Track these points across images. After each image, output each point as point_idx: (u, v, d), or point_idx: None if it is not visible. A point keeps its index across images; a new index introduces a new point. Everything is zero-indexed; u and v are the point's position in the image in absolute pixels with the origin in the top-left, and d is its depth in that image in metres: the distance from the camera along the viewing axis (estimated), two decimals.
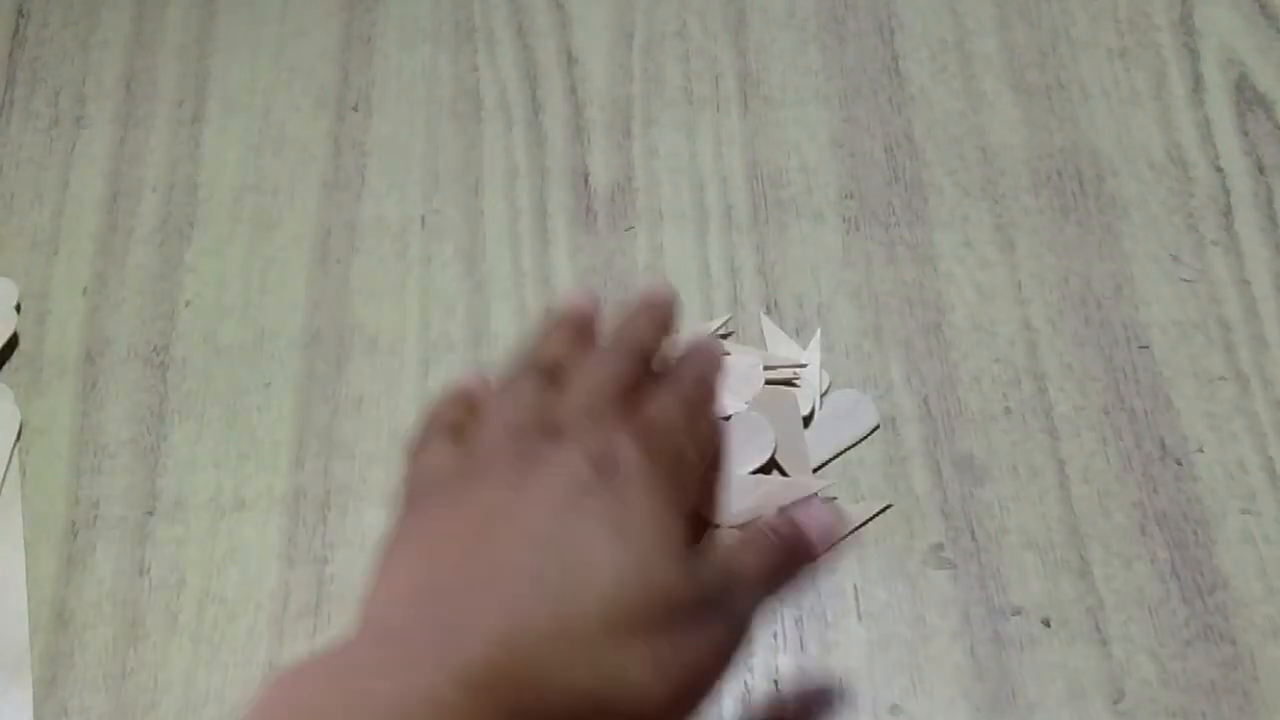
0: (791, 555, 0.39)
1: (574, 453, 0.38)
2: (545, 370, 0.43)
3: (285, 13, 0.62)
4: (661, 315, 0.45)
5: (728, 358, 0.48)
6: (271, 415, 0.51)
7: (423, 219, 0.56)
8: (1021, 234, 0.55)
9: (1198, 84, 0.59)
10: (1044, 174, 0.56)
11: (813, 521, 0.40)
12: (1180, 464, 0.50)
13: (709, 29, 0.61)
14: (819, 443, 0.50)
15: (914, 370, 0.52)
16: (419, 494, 0.40)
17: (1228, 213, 0.55)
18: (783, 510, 0.40)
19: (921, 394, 0.51)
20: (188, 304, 0.54)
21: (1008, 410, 0.51)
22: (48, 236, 0.56)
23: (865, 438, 0.50)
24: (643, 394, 0.41)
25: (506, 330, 0.53)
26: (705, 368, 0.44)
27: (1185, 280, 0.54)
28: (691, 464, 0.41)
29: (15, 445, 0.51)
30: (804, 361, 0.52)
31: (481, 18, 0.61)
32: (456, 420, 0.43)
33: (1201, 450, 0.50)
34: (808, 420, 0.50)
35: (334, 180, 0.57)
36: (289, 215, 0.56)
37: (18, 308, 0.54)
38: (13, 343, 0.53)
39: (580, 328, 0.45)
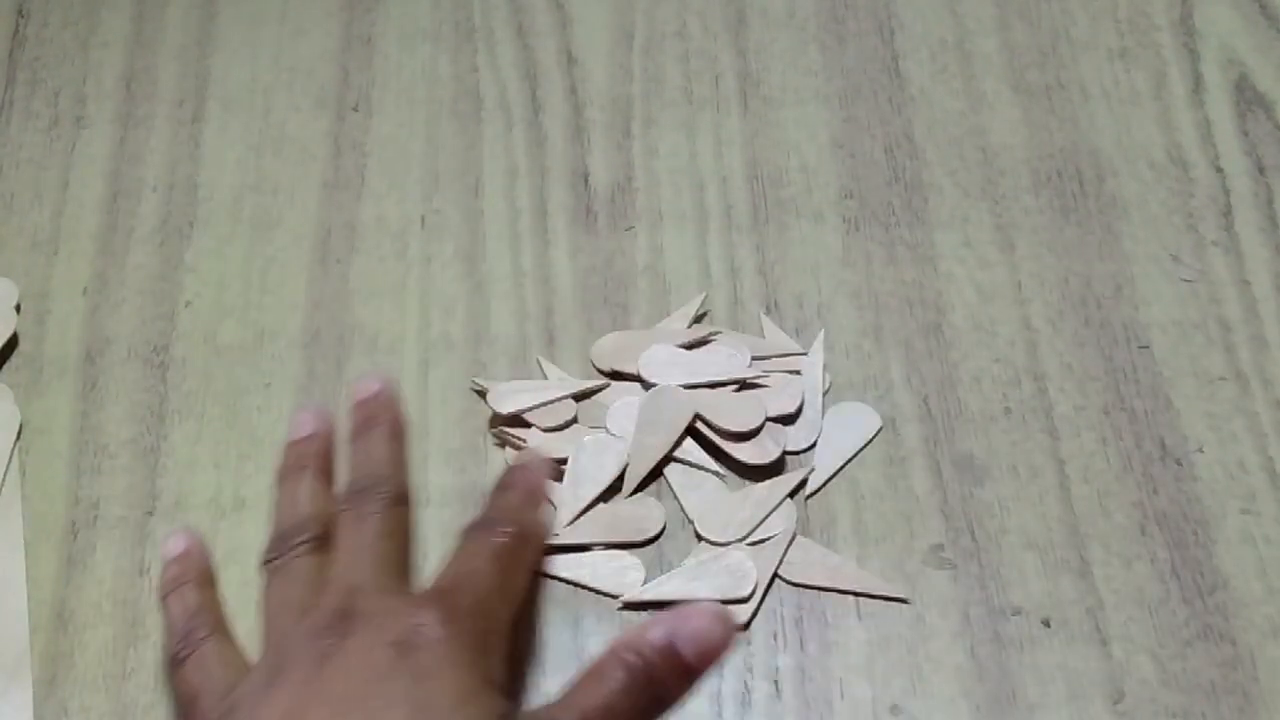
0: (655, 686, 0.36)
1: (372, 635, 0.37)
2: (314, 536, 0.42)
3: (285, 13, 0.62)
4: (397, 424, 0.45)
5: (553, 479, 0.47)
6: (272, 415, 0.51)
7: (423, 219, 0.56)
8: (1021, 234, 0.55)
9: (1198, 84, 0.59)
10: (1044, 174, 0.56)
11: (691, 638, 0.37)
12: (1180, 464, 0.50)
13: (709, 29, 0.61)
14: (825, 453, 0.50)
15: (914, 370, 0.52)
16: (214, 708, 0.39)
17: (1228, 213, 0.55)
18: (657, 624, 0.37)
19: (921, 394, 0.51)
20: (188, 304, 0.54)
21: (1008, 410, 0.51)
22: (47, 236, 0.56)
23: (868, 444, 0.50)
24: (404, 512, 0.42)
25: (506, 330, 0.53)
26: (524, 498, 0.43)
27: (1185, 280, 0.54)
28: (498, 622, 0.39)
29: (15, 445, 0.51)
30: (795, 350, 0.52)
31: (481, 18, 0.61)
32: (206, 606, 0.43)
33: (1201, 450, 0.50)
34: (797, 414, 0.50)
35: (334, 180, 0.57)
36: (289, 215, 0.56)
37: (18, 308, 0.54)
38: (13, 343, 0.53)
39: (320, 460, 0.44)
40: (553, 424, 0.50)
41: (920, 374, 0.52)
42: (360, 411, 0.45)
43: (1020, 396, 0.51)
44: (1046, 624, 0.46)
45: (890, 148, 0.57)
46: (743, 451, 0.49)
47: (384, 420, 0.45)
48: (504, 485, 0.43)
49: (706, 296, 0.53)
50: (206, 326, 0.53)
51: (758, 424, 0.49)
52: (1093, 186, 0.56)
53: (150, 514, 0.49)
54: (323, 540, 0.42)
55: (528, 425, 0.50)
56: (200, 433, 0.51)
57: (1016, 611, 0.47)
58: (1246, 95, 0.58)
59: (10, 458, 0.50)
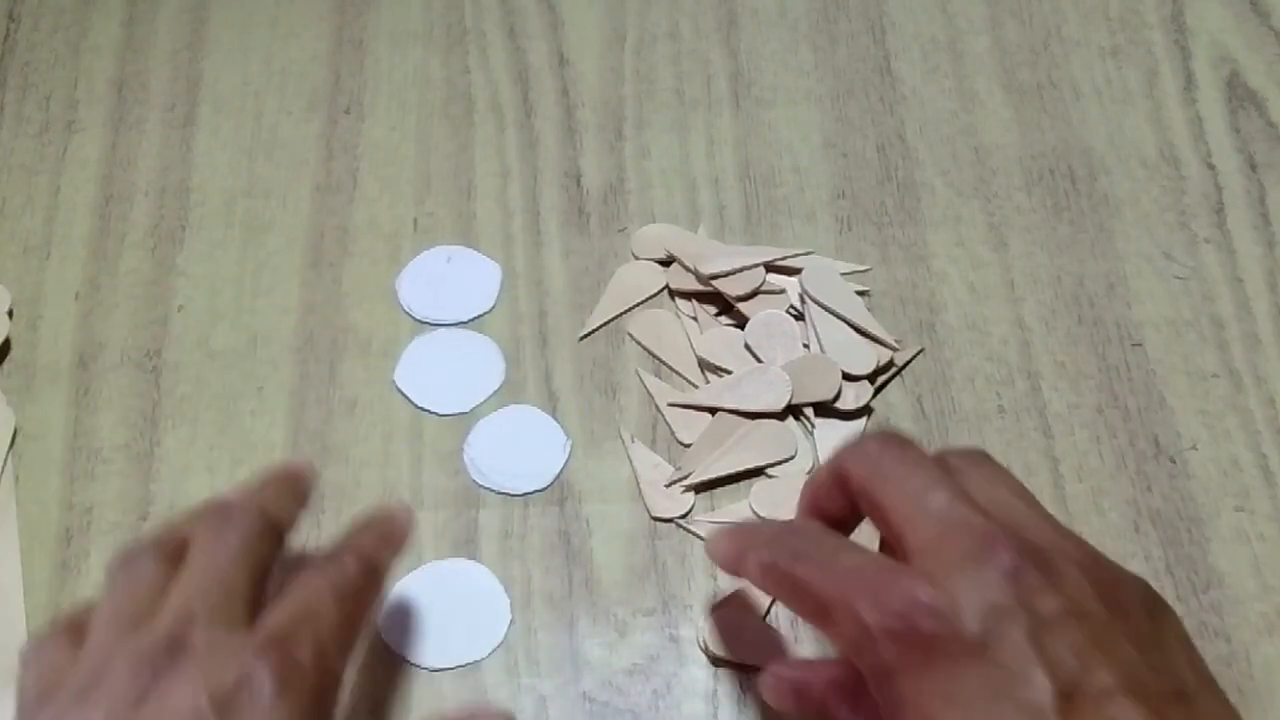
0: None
1: (194, 684, 0.34)
2: (167, 545, 0.38)
3: (276, 16, 0.62)
4: (297, 486, 0.41)
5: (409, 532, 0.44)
6: (265, 419, 0.51)
7: (415, 221, 0.56)
8: (1014, 233, 0.55)
9: (1189, 81, 0.59)
10: (1036, 173, 0.56)
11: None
12: (1174, 461, 0.50)
13: (700, 30, 0.61)
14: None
15: (907, 370, 0.52)
16: (29, 709, 0.36)
17: (1220, 210, 0.55)
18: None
19: (915, 394, 0.51)
20: (180, 308, 0.54)
21: (1001, 409, 0.51)
22: (39, 241, 0.56)
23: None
24: (274, 549, 0.39)
25: (500, 332, 0.53)
26: (378, 549, 0.40)
27: (1178, 278, 0.54)
28: (336, 677, 0.37)
29: (9, 451, 0.50)
30: (809, 249, 0.54)
31: (473, 20, 0.61)
32: (76, 618, 0.38)
33: (1195, 448, 0.50)
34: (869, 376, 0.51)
35: (326, 183, 0.57)
36: (281, 219, 0.56)
37: (10, 313, 0.53)
38: (5, 348, 0.53)
39: (214, 510, 0.40)
40: (741, 292, 0.52)
41: (914, 373, 0.52)
42: (270, 473, 0.43)
43: (1013, 395, 0.51)
44: None
45: (882, 147, 0.57)
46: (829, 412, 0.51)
47: (294, 486, 0.42)
48: (361, 523, 0.41)
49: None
50: (199, 331, 0.53)
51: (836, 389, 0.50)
52: (1085, 185, 0.56)
53: (144, 519, 0.49)
54: (179, 548, 0.38)
55: (716, 295, 0.52)
56: (193, 437, 0.51)
57: None
58: (1238, 92, 0.58)
59: (4, 463, 0.50)
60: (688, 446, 0.50)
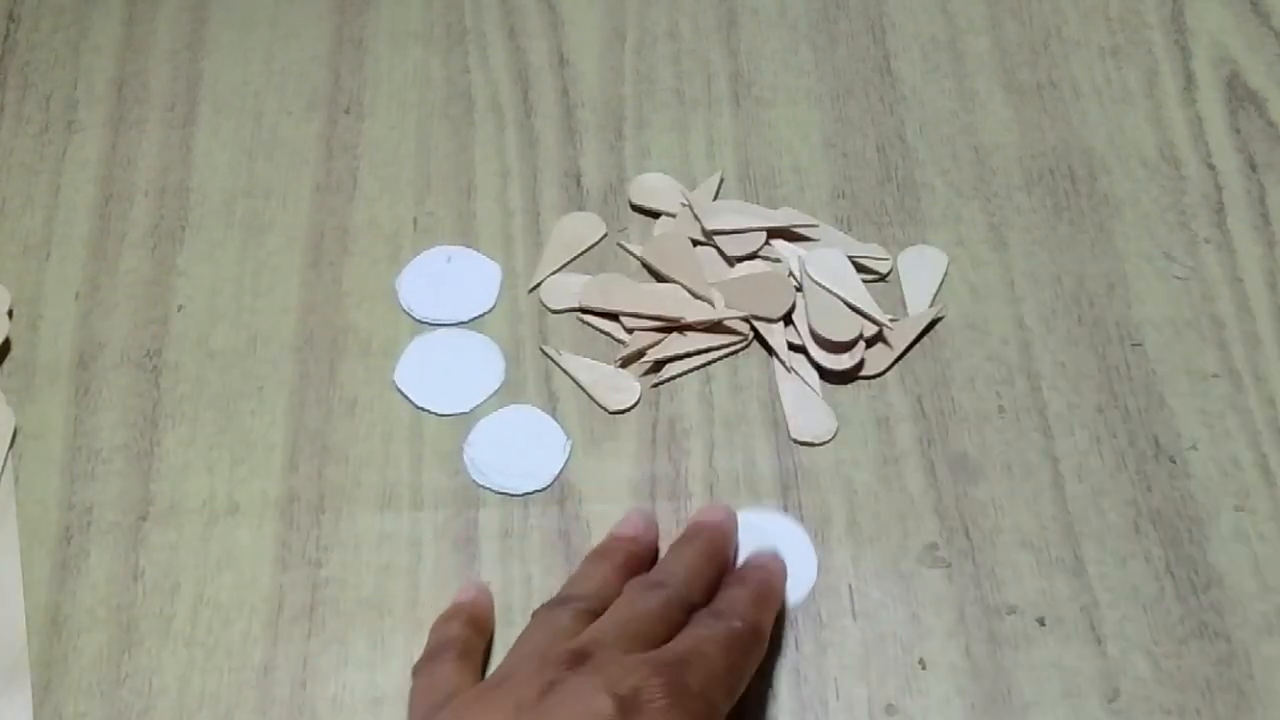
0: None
1: (596, 685, 0.37)
2: (585, 600, 0.43)
3: (276, 16, 0.62)
4: (718, 549, 0.45)
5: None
6: (264, 419, 0.51)
7: (415, 221, 0.56)
8: (1014, 233, 0.55)
9: (1189, 82, 0.59)
10: (1036, 173, 0.56)
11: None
12: (1174, 461, 0.50)
13: (700, 29, 0.61)
14: (911, 291, 0.53)
15: (907, 370, 0.52)
16: (429, 711, 0.40)
17: (1220, 210, 0.55)
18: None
19: (915, 393, 0.51)
20: (180, 308, 0.54)
21: (1001, 409, 0.51)
22: (39, 241, 0.56)
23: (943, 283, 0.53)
24: (682, 622, 0.41)
25: (500, 332, 0.53)
26: (762, 612, 0.43)
27: (1178, 278, 0.54)
28: (720, 712, 0.40)
29: (9, 451, 0.50)
30: (815, 221, 0.54)
31: (473, 19, 0.61)
32: (463, 636, 0.44)
33: (1195, 448, 0.50)
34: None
35: (326, 183, 0.57)
36: (281, 218, 0.56)
37: (10, 313, 0.53)
38: (5, 348, 0.53)
39: (629, 559, 0.45)
40: (740, 252, 0.53)
41: (914, 373, 0.52)
42: (693, 529, 0.46)
43: (1014, 395, 0.51)
44: (1041, 622, 0.46)
45: (882, 147, 0.57)
46: (825, 358, 0.51)
47: (714, 548, 0.45)
48: (738, 577, 0.44)
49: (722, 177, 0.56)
50: (199, 330, 0.53)
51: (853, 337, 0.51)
52: (1085, 185, 0.56)
53: (144, 519, 0.49)
54: (594, 613, 0.42)
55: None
56: (193, 437, 0.51)
57: (1011, 610, 0.47)
58: (1238, 92, 0.58)
59: (4, 463, 0.50)
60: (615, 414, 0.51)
